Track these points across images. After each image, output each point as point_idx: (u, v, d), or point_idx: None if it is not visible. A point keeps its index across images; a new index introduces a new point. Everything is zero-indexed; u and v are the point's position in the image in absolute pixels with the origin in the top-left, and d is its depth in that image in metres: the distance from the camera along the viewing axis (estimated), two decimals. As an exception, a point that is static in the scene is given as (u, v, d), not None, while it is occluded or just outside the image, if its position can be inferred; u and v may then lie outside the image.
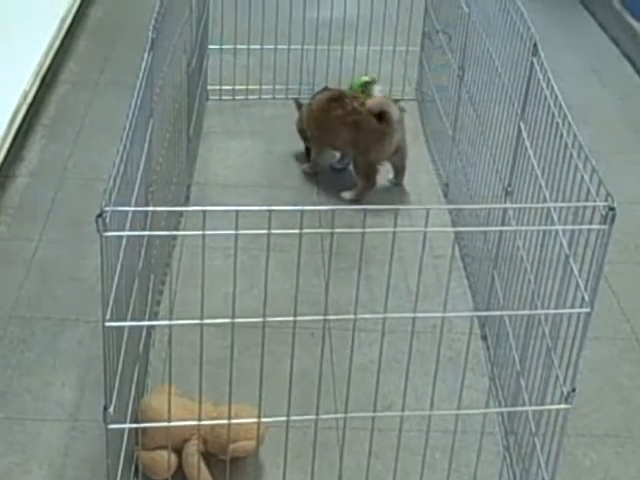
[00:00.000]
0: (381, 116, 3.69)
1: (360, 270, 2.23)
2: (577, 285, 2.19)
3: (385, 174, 3.90)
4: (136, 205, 2.35)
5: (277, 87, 4.51)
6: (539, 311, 2.44)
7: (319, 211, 2.60)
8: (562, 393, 2.28)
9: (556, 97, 2.43)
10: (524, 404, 2.55)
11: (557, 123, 2.39)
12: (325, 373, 2.76)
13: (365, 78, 4.33)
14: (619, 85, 4.92)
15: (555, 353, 2.33)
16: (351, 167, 3.88)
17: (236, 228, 1.95)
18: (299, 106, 4.06)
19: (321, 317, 2.14)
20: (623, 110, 4.66)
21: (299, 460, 2.58)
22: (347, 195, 3.80)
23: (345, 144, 3.83)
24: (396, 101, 3.88)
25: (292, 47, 4.48)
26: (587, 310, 2.15)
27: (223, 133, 4.27)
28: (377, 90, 4.20)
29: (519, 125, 2.76)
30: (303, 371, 2.57)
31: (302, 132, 4.02)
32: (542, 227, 2.40)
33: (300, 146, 4.09)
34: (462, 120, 3.63)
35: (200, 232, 1.96)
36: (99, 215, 1.87)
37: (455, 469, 2.56)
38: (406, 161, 3.89)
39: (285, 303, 2.13)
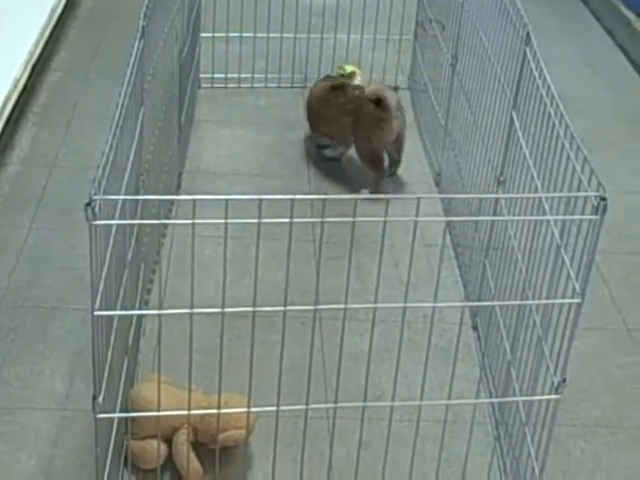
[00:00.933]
0: (378, 102, 3.69)
1: (351, 259, 2.22)
2: (568, 275, 2.18)
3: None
4: (127, 194, 2.34)
5: (269, 75, 4.49)
6: (530, 301, 2.44)
7: (310, 200, 2.59)
8: (553, 383, 2.27)
9: (548, 87, 2.42)
10: (515, 394, 2.55)
11: (549, 113, 2.38)
12: (315, 362, 2.75)
13: (351, 68, 4.33)
14: (613, 76, 4.92)
15: (546, 343, 2.33)
16: (359, 161, 3.85)
17: (226, 217, 1.94)
18: None
19: (312, 307, 2.14)
20: (616, 101, 4.66)
21: (289, 450, 2.57)
22: (365, 192, 3.75)
23: (346, 132, 3.82)
24: (395, 88, 3.86)
25: (285, 35, 4.46)
26: (578, 300, 2.15)
27: (215, 121, 4.25)
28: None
29: (511, 115, 2.76)
30: (293, 360, 2.57)
31: None
32: (534, 217, 2.40)
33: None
34: (455, 109, 3.62)
35: (190, 221, 1.95)
36: (88, 204, 1.86)
37: (445, 459, 2.57)
38: (402, 153, 3.88)
39: (276, 292, 2.13)
